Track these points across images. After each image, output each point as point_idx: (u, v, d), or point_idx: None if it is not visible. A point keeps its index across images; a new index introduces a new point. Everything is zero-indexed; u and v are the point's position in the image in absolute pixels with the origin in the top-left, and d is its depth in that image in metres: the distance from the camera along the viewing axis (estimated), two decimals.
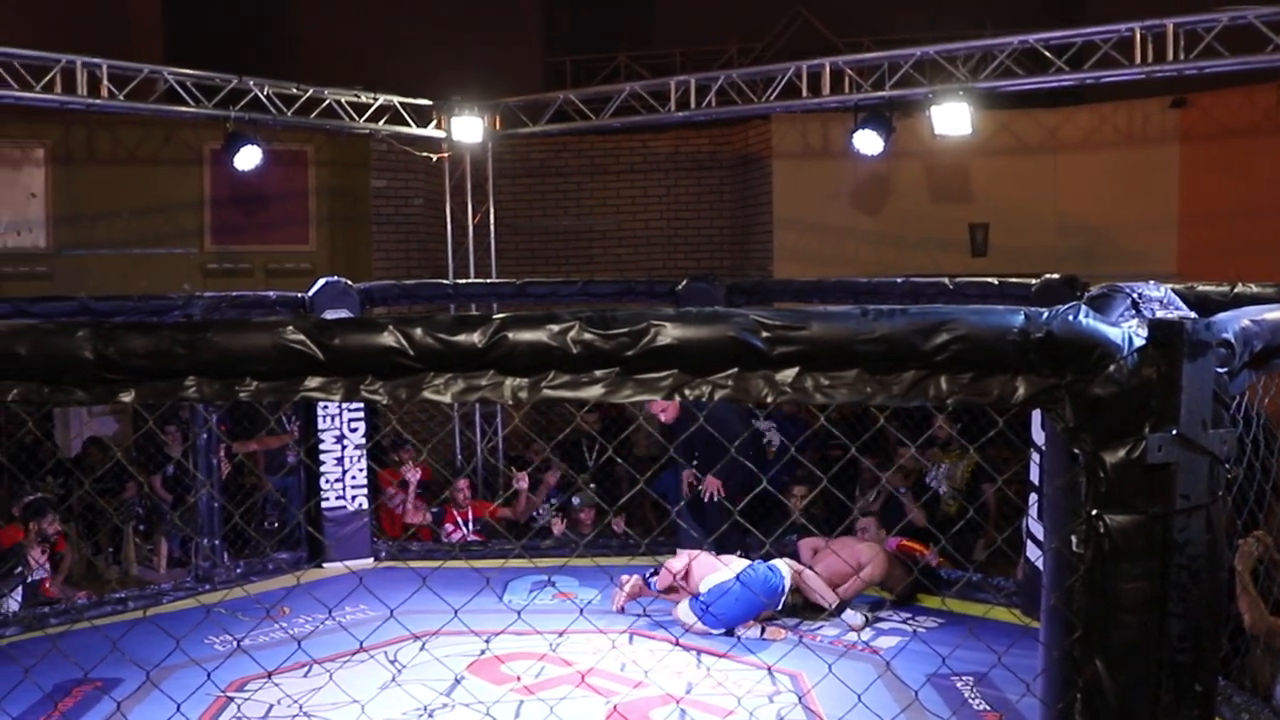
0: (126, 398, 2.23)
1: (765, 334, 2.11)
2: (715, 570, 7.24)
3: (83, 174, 12.04)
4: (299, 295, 8.85)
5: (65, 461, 9.50)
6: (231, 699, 6.11)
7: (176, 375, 2.20)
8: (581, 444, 10.23)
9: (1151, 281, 2.46)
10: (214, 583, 8.31)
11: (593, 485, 9.75)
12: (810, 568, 7.52)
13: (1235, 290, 4.60)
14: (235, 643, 6.81)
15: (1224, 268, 6.32)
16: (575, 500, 9.55)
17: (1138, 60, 8.93)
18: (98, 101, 9.39)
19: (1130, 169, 11.77)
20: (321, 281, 8.97)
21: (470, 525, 9.41)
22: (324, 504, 8.89)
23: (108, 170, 12.04)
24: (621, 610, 7.58)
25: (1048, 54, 9.30)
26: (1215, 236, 11.01)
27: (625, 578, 7.64)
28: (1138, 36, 8.88)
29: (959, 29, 12.13)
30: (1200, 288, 4.66)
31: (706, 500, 8.07)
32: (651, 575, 7.58)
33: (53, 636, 6.97)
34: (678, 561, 7.44)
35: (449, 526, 9.41)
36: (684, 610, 7.25)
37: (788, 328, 2.12)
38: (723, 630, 7.05)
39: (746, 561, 7.45)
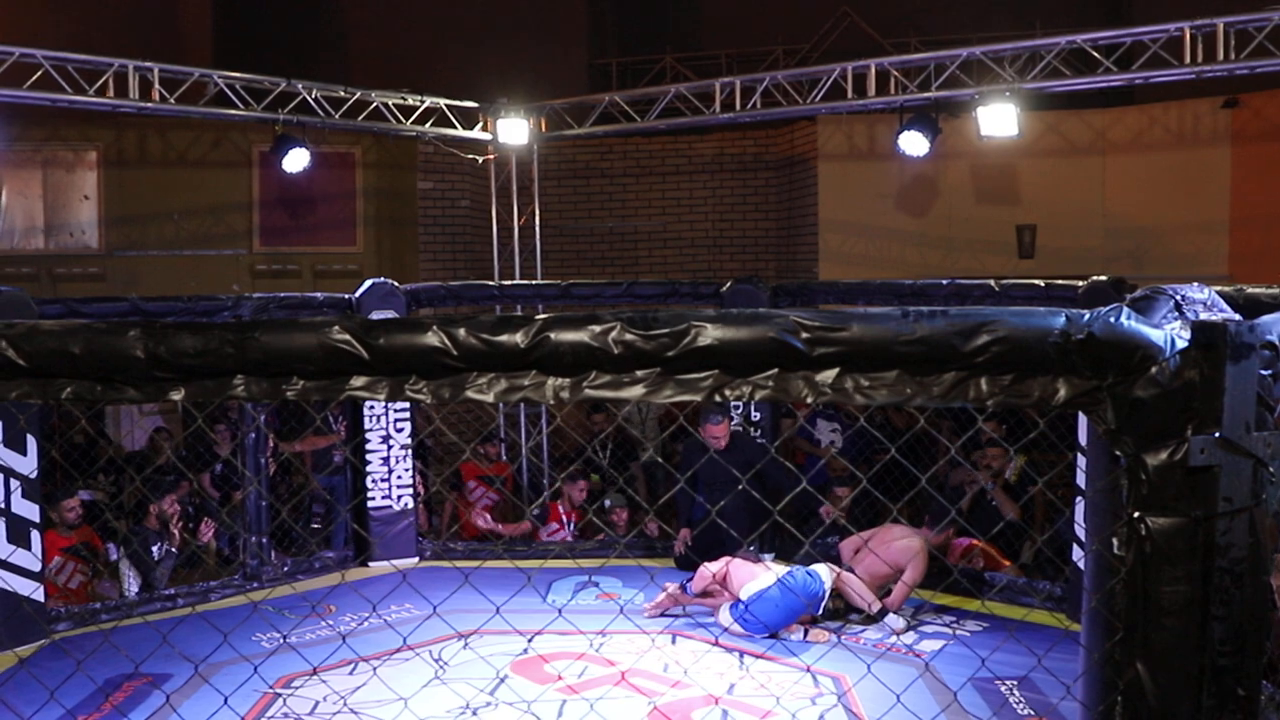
0: (176, 396, 2.26)
1: (805, 335, 2.12)
2: (755, 576, 7.22)
3: (134, 176, 12.23)
4: (346, 296, 8.93)
5: (118, 459, 9.64)
6: (278, 694, 6.18)
7: (225, 374, 2.24)
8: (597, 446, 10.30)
9: (1196, 283, 2.44)
10: (261, 580, 8.41)
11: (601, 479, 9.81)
12: (850, 569, 7.49)
13: None
14: (282, 639, 6.89)
15: (1276, 270, 6.26)
16: (607, 502, 9.57)
17: (1187, 60, 8.84)
18: (149, 105, 9.53)
19: (1180, 170, 11.65)
20: (368, 283, 9.05)
21: (573, 526, 9.45)
22: (370, 503, 8.96)
23: (158, 172, 12.22)
24: (661, 614, 7.57)
25: (1096, 54, 9.23)
26: (1267, 238, 10.87)
27: (668, 585, 7.65)
28: (1187, 36, 8.79)
29: (1006, 29, 12.05)
30: (1250, 290, 4.59)
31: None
32: (688, 582, 7.59)
33: (105, 631, 7.08)
34: (715, 564, 7.44)
35: (554, 525, 9.45)
36: (724, 615, 7.25)
37: (828, 329, 2.12)
38: (764, 635, 7.05)
39: (785, 566, 7.43)
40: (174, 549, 8.26)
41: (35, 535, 7.16)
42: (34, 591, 7.14)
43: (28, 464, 7.13)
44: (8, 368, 2.22)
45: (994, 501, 8.32)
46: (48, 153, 12.17)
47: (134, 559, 8.09)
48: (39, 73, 8.98)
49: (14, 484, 7.04)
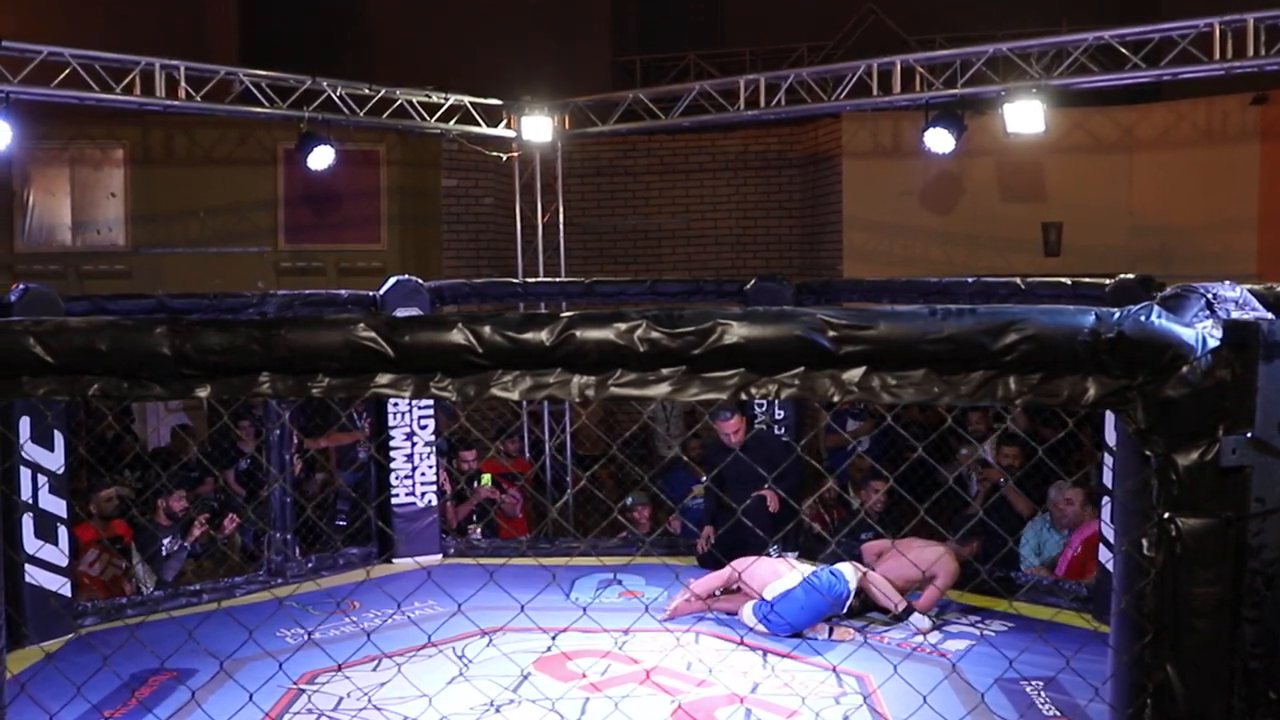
0: (202, 393, 2.27)
1: (832, 333, 2.10)
2: (779, 575, 7.19)
3: (160, 174, 12.29)
4: (370, 294, 8.95)
5: (143, 455, 9.69)
6: (303, 690, 6.20)
7: (251, 371, 2.24)
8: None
9: (1227, 281, 2.42)
10: (285, 576, 8.45)
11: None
12: (871, 569, 7.44)
13: None
14: (306, 635, 6.91)
15: None
16: (629, 500, 9.57)
17: (1216, 56, 8.76)
18: (175, 103, 9.57)
19: (1209, 167, 11.56)
20: (392, 280, 9.07)
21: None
22: (394, 500, 8.98)
23: (184, 170, 12.28)
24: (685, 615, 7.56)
25: (1123, 50, 9.16)
26: None
27: (691, 581, 7.64)
28: (1216, 32, 8.71)
29: (1033, 25, 11.99)
30: None
31: (773, 510, 8.14)
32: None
33: (130, 626, 7.12)
34: (740, 561, 7.42)
35: None
36: (748, 613, 7.23)
37: (855, 327, 2.11)
38: (788, 635, 7.02)
39: (810, 565, 7.41)
40: (185, 544, 8.30)
41: (63, 531, 7.21)
42: (61, 587, 7.18)
43: (55, 460, 7.17)
44: (35, 365, 2.23)
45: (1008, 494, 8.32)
46: (75, 151, 12.25)
47: (144, 553, 8.14)
48: (66, 71, 9.03)
49: (41, 480, 7.08)
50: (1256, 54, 8.59)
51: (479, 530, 9.44)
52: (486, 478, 9.72)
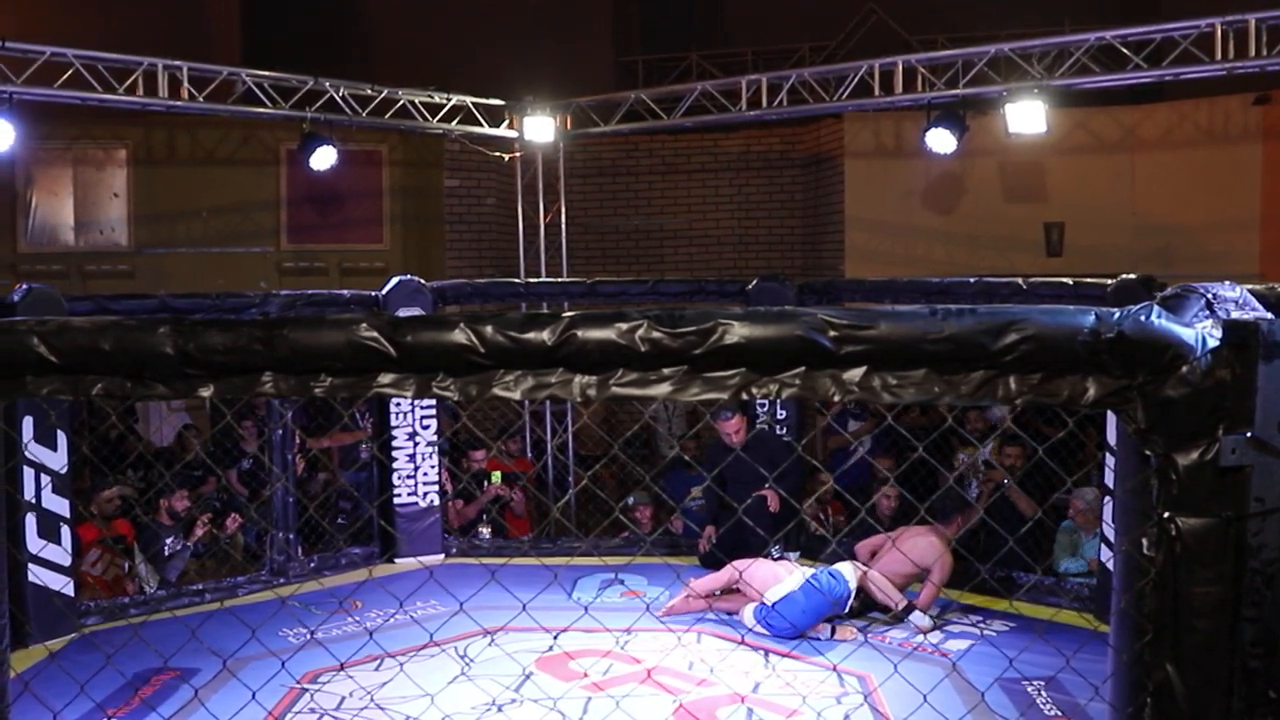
0: (205, 392, 2.27)
1: (833, 333, 2.11)
2: (780, 579, 7.18)
3: (163, 174, 12.31)
4: (373, 294, 8.97)
5: (147, 455, 9.70)
6: (305, 690, 6.21)
7: (253, 371, 2.24)
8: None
9: (1227, 281, 2.42)
10: (288, 576, 8.45)
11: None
12: (868, 566, 7.44)
13: None
14: (309, 635, 6.92)
15: None
16: (630, 500, 9.57)
17: (1218, 56, 8.76)
18: (178, 103, 9.58)
19: (1211, 167, 11.55)
20: (395, 280, 9.08)
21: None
22: (396, 500, 8.99)
23: (187, 170, 12.29)
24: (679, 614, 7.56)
25: (1125, 51, 9.15)
26: None
27: (692, 581, 7.65)
28: (1218, 32, 8.71)
29: (1035, 25, 11.99)
30: None
31: (774, 510, 8.14)
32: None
33: (134, 625, 7.13)
34: (742, 560, 7.43)
35: None
36: (749, 615, 7.23)
37: (855, 327, 2.11)
38: (790, 636, 7.01)
39: (810, 567, 7.41)
40: (187, 544, 8.31)
41: (65, 530, 7.22)
42: (64, 586, 7.20)
43: (58, 460, 7.18)
44: (39, 364, 2.23)
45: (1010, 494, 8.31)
46: (78, 151, 12.27)
47: (146, 553, 8.16)
48: (69, 72, 9.04)
49: (45, 479, 7.10)
50: (1258, 54, 8.58)
51: (487, 530, 9.44)
52: (497, 475, 9.72)
